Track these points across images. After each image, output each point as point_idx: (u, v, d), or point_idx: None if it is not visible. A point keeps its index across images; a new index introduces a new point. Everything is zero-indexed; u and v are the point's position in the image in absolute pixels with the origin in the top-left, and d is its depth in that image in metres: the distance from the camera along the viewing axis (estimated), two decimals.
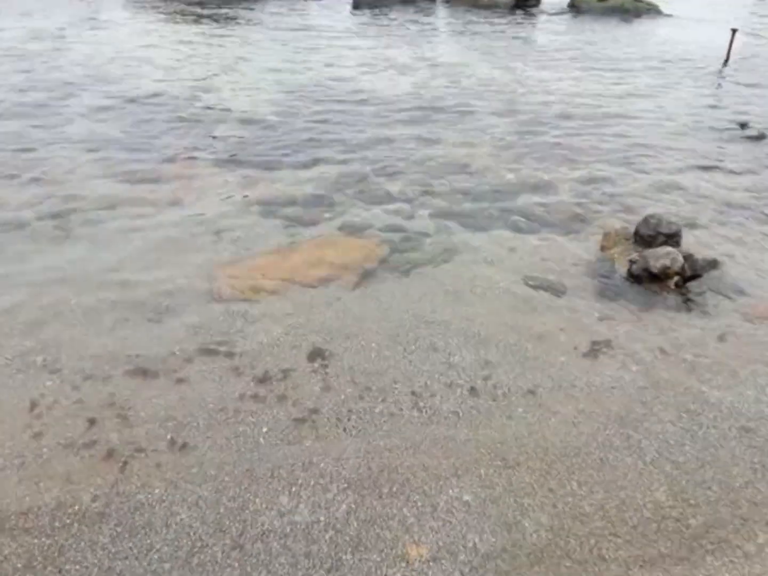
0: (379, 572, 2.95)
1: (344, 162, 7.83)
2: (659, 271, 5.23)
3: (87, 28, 15.75)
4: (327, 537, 3.10)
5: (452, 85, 11.81)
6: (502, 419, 3.86)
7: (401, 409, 3.91)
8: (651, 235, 5.83)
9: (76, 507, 3.20)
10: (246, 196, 6.74)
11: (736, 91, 12.26)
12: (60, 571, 2.91)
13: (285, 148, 8.25)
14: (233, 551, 3.03)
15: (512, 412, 3.92)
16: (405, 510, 3.26)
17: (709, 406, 4.03)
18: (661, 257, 5.28)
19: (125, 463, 3.46)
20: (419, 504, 3.29)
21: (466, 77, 12.46)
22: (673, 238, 5.78)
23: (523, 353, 4.45)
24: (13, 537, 3.04)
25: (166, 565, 2.95)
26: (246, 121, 9.25)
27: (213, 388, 4.02)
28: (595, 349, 4.52)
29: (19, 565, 2.92)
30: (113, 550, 3.01)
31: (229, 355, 4.33)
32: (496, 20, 19.70)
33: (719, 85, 12.86)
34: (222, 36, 15.68)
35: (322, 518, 3.20)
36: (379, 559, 3.00)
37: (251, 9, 19.72)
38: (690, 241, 6.00)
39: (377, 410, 3.89)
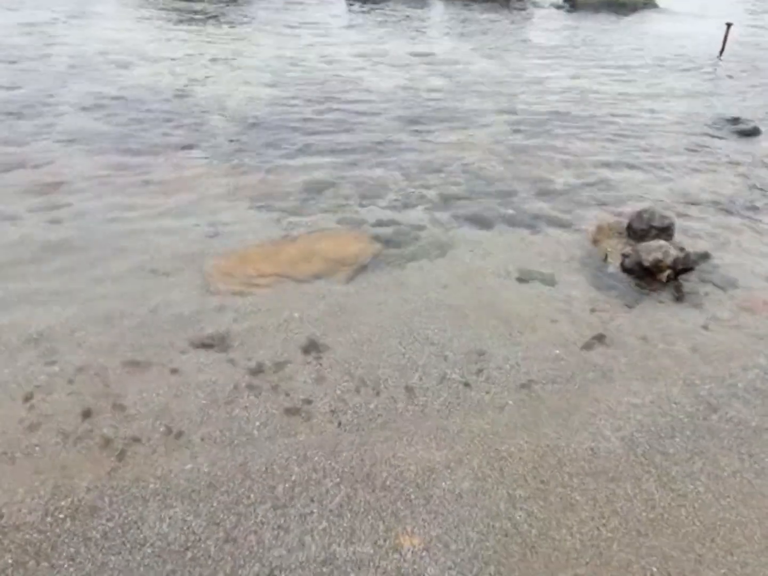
0: (372, 563, 2.96)
1: (338, 156, 7.81)
2: (652, 264, 5.25)
3: (77, 22, 15.64)
4: (320, 529, 3.12)
5: (447, 80, 11.79)
6: (494, 411, 3.88)
7: (395, 402, 3.92)
8: (644, 228, 5.85)
9: (69, 501, 3.21)
10: (239, 191, 6.73)
11: (730, 85, 12.28)
12: (53, 567, 2.91)
13: (279, 142, 8.23)
14: (226, 545, 3.04)
15: (505, 404, 3.93)
16: (398, 502, 3.27)
17: (698, 398, 4.05)
18: (653, 251, 5.30)
19: (118, 457, 3.47)
20: (412, 496, 3.31)
21: (461, 72, 12.45)
22: (665, 232, 5.80)
23: (516, 346, 4.47)
24: (5, 533, 3.04)
25: (160, 559, 2.96)
26: (239, 116, 9.22)
27: (207, 381, 4.03)
28: (588, 342, 4.54)
29: (10, 561, 2.92)
30: (106, 545, 3.01)
31: (223, 348, 4.33)
32: (492, 15, 19.67)
33: (713, 79, 12.87)
34: (215, 30, 15.61)
35: (315, 511, 3.21)
36: (372, 551, 3.02)
37: (245, 3, 19.64)
38: (682, 234, 6.02)
39: (371, 403, 3.91)
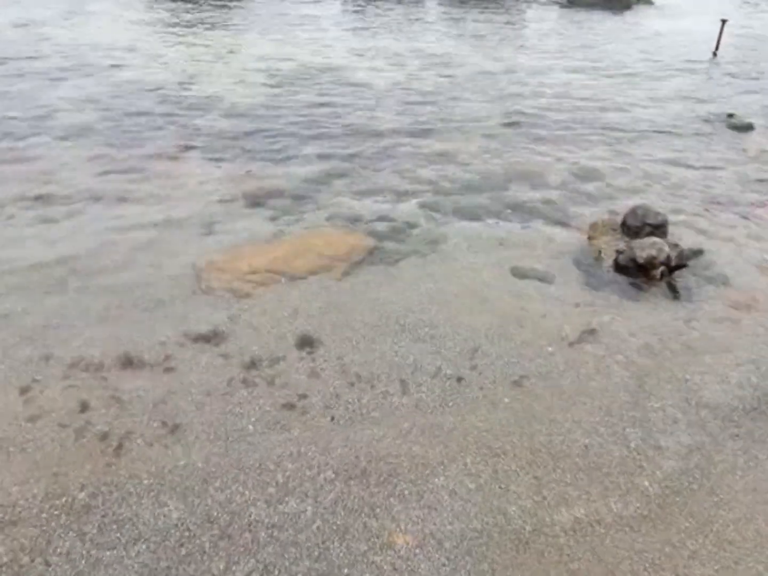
0: (365, 560, 2.97)
1: (332, 153, 7.81)
2: (645, 261, 5.26)
3: (72, 19, 15.58)
4: (314, 526, 3.12)
5: (442, 76, 11.79)
6: (488, 408, 3.89)
7: (389, 399, 3.93)
8: (638, 225, 5.87)
9: (64, 498, 3.20)
10: (233, 188, 6.71)
11: (724, 82, 12.31)
12: (47, 563, 2.91)
13: (273, 139, 8.21)
14: (221, 541, 3.04)
15: (498, 401, 3.94)
16: (392, 499, 3.28)
17: (693, 393, 4.07)
18: (647, 247, 5.31)
19: (113, 453, 3.46)
20: (406, 492, 3.31)
21: (456, 68, 12.44)
22: (659, 229, 5.82)
23: (510, 342, 4.48)
24: (0, 529, 3.04)
25: (154, 556, 2.96)
26: (234, 113, 9.20)
27: (201, 378, 4.02)
28: (581, 339, 4.55)
29: (5, 557, 2.92)
30: (101, 541, 3.01)
31: (218, 345, 4.33)
32: (488, 10, 19.65)
33: (708, 75, 12.90)
34: (210, 27, 15.56)
35: (309, 508, 3.22)
36: (365, 548, 3.03)
37: (241, 0, 19.58)
38: (676, 231, 6.04)
39: (365, 400, 3.91)
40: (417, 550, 3.02)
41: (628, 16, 20.25)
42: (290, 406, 3.84)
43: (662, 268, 5.28)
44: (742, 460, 3.61)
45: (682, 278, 5.31)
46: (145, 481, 3.31)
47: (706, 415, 3.92)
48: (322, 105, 9.73)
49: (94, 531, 3.06)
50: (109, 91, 9.91)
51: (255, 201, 6.43)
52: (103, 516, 3.13)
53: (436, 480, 3.39)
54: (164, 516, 3.14)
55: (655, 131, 9.15)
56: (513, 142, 8.46)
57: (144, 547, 3.00)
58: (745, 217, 6.51)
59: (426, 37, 15.60)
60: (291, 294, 4.93)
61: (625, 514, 3.25)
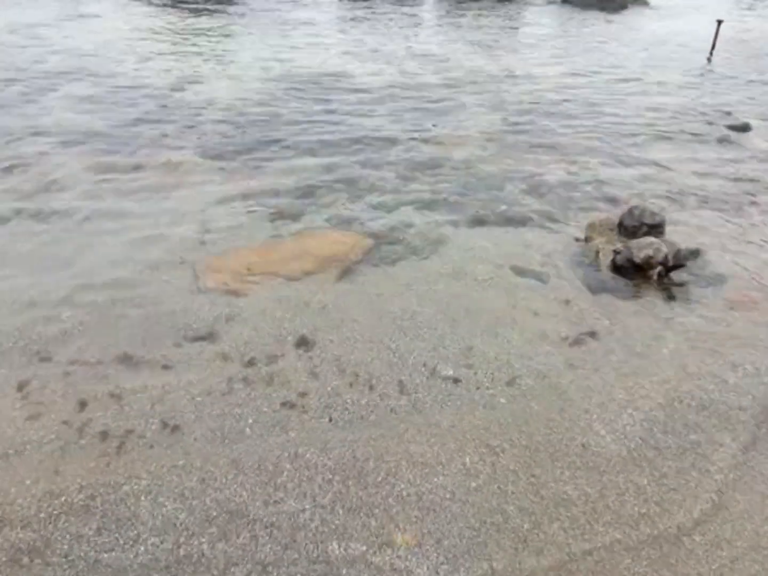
0: (364, 560, 2.97)
1: (329, 154, 7.81)
2: (643, 261, 5.28)
3: (71, 20, 15.55)
4: (313, 526, 3.13)
5: (439, 77, 11.80)
6: (486, 408, 3.89)
7: (387, 398, 3.93)
8: (635, 225, 5.88)
9: (63, 498, 3.20)
10: (230, 189, 6.71)
11: (721, 81, 12.34)
12: (47, 564, 2.91)
13: (270, 140, 8.21)
14: (219, 542, 3.04)
15: (496, 400, 3.95)
16: (390, 498, 3.28)
17: (690, 395, 4.09)
18: (644, 248, 5.33)
19: (112, 454, 3.46)
20: (404, 492, 3.32)
21: (453, 68, 12.45)
22: (656, 229, 5.84)
23: (507, 342, 4.48)
24: None
25: (153, 557, 2.96)
26: (231, 114, 9.20)
27: (199, 378, 4.02)
28: (578, 339, 4.56)
29: (4, 558, 2.92)
30: (99, 542, 3.01)
31: (216, 345, 4.33)
32: (484, 11, 19.68)
33: (704, 75, 12.93)
34: (208, 28, 15.55)
35: (308, 508, 3.22)
36: (364, 548, 3.03)
37: (238, 1, 19.55)
38: (673, 231, 6.05)
39: (363, 400, 3.92)
40: (416, 550, 3.03)
41: (625, 15, 20.30)
42: (289, 406, 3.84)
43: (659, 268, 5.29)
44: (741, 459, 3.62)
45: (679, 278, 5.32)
46: (144, 482, 3.31)
47: (705, 414, 3.93)
48: (318, 105, 9.74)
49: (93, 532, 3.06)
50: (107, 91, 9.90)
51: (252, 202, 6.43)
52: (102, 516, 3.13)
53: (435, 479, 3.40)
54: (162, 516, 3.14)
55: (652, 131, 9.17)
56: (509, 142, 8.47)
57: (142, 548, 3.00)
58: (742, 217, 6.53)
59: (423, 37, 15.62)
60: (289, 294, 4.93)
61: (623, 512, 3.26)
